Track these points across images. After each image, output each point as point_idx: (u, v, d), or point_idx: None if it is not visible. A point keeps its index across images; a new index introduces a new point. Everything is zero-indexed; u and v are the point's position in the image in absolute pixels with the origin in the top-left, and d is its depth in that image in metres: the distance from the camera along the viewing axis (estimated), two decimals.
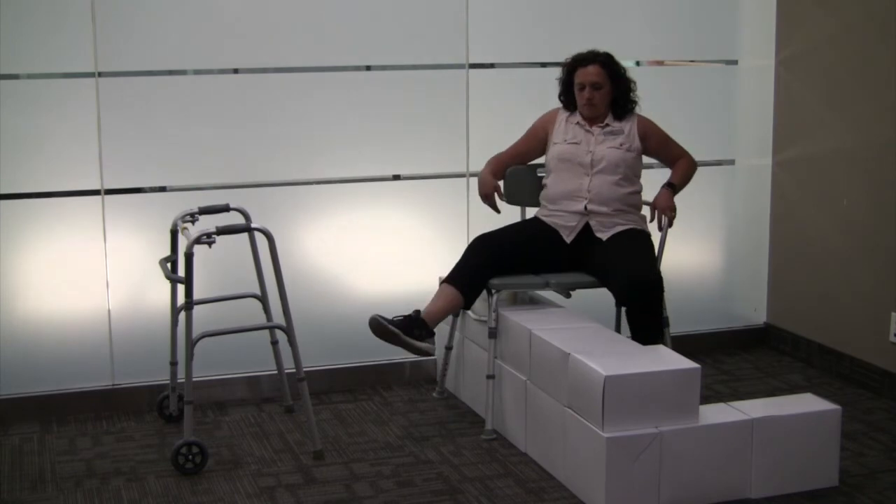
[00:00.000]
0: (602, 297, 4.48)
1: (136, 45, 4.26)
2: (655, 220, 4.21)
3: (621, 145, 4.18)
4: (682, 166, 4.31)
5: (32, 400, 4.28)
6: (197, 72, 4.38)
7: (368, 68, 4.61)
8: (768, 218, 5.14)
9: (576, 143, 4.21)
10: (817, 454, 3.61)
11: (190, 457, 3.74)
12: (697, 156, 5.01)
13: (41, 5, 4.11)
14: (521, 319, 3.98)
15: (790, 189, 5.01)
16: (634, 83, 4.27)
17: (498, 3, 4.69)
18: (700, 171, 5.06)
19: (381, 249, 4.66)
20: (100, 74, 4.22)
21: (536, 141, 4.34)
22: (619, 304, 4.18)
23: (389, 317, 3.94)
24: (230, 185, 4.43)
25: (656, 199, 4.22)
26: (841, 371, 4.72)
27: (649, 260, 4.08)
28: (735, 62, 5.08)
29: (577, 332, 3.86)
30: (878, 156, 4.48)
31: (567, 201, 4.19)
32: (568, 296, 4.21)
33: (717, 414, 3.57)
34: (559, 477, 3.69)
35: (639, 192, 4.26)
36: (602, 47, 4.81)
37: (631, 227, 4.18)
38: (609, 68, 4.20)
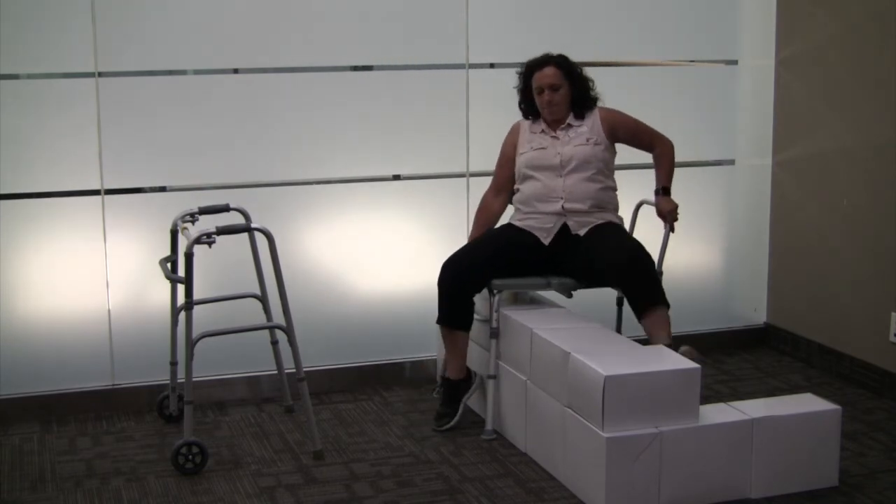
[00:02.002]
0: (602, 297, 4.49)
1: (136, 45, 4.27)
2: (665, 226, 4.26)
3: (588, 140, 4.15)
4: (663, 162, 4.26)
5: (32, 400, 4.28)
6: (197, 72, 4.38)
7: (368, 68, 4.61)
8: (768, 218, 5.14)
9: (542, 149, 4.18)
10: (817, 454, 3.61)
11: (190, 457, 3.74)
12: (697, 155, 5.01)
13: (41, 5, 4.11)
14: (522, 319, 3.98)
15: (790, 189, 5.01)
16: (592, 81, 4.24)
17: (498, 3, 4.69)
18: (700, 170, 5.09)
19: (381, 249, 4.66)
20: (100, 74, 4.22)
21: (513, 163, 4.28)
22: (610, 285, 4.11)
23: (438, 408, 4.17)
24: (230, 185, 4.43)
25: (658, 207, 4.24)
26: (841, 371, 4.72)
27: (631, 240, 4.10)
28: (735, 62, 5.08)
29: (578, 332, 3.86)
30: (878, 156, 4.48)
31: (542, 203, 4.15)
32: (569, 296, 4.21)
33: (717, 414, 3.57)
34: (559, 477, 3.69)
35: (613, 190, 4.22)
36: (602, 47, 4.84)
37: (606, 221, 4.15)
38: (564, 68, 4.16)
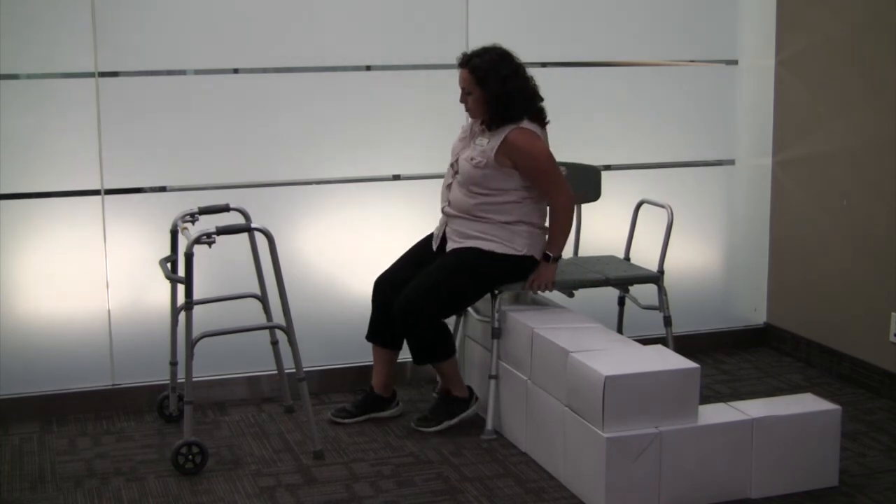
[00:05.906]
0: (604, 297, 4.49)
1: (136, 45, 4.26)
2: (528, 286, 4.07)
3: (471, 160, 3.96)
4: (554, 224, 4.00)
5: (32, 400, 4.28)
6: (197, 72, 4.38)
7: (368, 68, 4.61)
8: (768, 218, 5.13)
9: (454, 153, 4.14)
10: (817, 454, 3.61)
11: (190, 457, 3.74)
12: (697, 156, 4.99)
13: (41, 5, 4.11)
14: (522, 319, 3.98)
15: (790, 189, 5.01)
16: (520, 88, 3.93)
17: (498, 3, 4.69)
18: (700, 170, 5.08)
19: (381, 249, 4.65)
20: (100, 74, 4.22)
21: None
22: None
23: (349, 408, 4.22)
24: (230, 185, 4.43)
25: (535, 273, 4.03)
26: (841, 371, 4.72)
27: (427, 288, 3.94)
28: (735, 62, 5.08)
29: (578, 332, 3.86)
30: (878, 156, 4.48)
31: (440, 209, 4.18)
32: (571, 295, 4.21)
33: (717, 414, 3.57)
34: (559, 477, 3.69)
35: (508, 202, 3.96)
36: (602, 47, 4.82)
37: (472, 245, 3.99)
38: (477, 74, 3.89)
